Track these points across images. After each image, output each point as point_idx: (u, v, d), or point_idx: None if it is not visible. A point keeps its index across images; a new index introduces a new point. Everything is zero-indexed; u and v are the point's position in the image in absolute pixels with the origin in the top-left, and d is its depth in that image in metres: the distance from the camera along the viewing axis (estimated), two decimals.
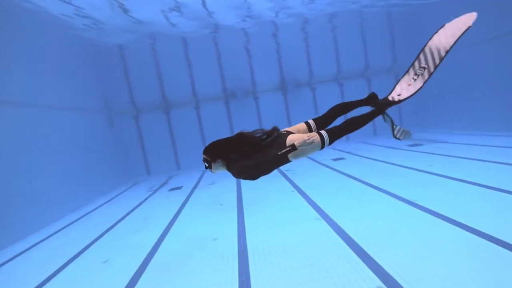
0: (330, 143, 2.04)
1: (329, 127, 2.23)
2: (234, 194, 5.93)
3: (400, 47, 11.23)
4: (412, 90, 2.23)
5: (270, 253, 3.06)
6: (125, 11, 7.61)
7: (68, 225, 5.65)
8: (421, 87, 2.20)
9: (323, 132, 2.05)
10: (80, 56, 8.64)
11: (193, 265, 3.07)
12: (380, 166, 6.41)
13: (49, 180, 6.10)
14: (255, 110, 11.25)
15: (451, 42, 2.07)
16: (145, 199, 6.96)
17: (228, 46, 10.58)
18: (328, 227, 3.46)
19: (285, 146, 1.89)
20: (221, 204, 5.32)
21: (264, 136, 2.04)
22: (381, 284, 2.21)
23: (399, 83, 2.33)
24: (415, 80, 2.26)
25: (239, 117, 11.19)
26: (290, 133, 2.14)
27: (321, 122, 2.26)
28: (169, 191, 7.55)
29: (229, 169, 1.97)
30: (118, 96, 10.45)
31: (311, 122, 2.26)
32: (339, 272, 2.48)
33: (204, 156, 1.97)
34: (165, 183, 8.81)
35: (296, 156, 1.95)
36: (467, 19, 2.04)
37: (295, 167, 7.82)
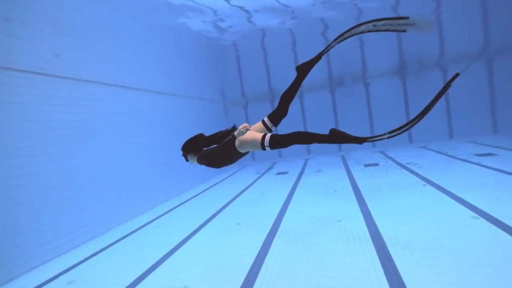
0: (271, 148, 2.18)
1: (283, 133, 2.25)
2: (347, 182, 5.60)
3: None
4: None
5: (414, 243, 2.67)
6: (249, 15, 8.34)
7: (199, 194, 6.79)
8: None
9: (267, 136, 2.18)
10: (205, 54, 10.15)
11: (323, 240, 3.05)
12: None
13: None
14: (365, 98, 10.25)
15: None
16: (256, 180, 7.55)
17: (337, 28, 9.99)
18: (496, 229, 2.72)
19: (234, 148, 2.30)
20: (335, 190, 5.12)
21: (220, 134, 2.44)
22: None
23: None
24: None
25: (346, 106, 10.50)
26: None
27: (275, 117, 2.36)
28: (276, 174, 7.92)
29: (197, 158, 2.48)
30: (232, 89, 11.74)
31: (266, 120, 2.38)
32: None
33: (182, 152, 2.53)
34: (270, 168, 9.31)
35: (244, 149, 2.31)
36: None
37: (419, 160, 6.67)
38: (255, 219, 4.13)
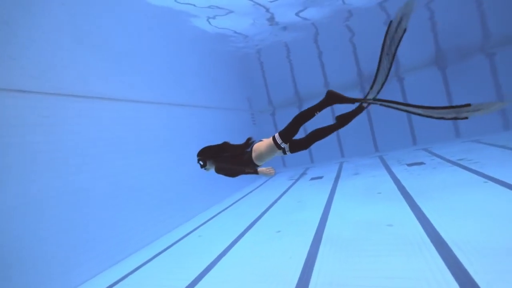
0: (285, 141, 2.40)
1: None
2: (392, 184, 5.20)
3: None
4: None
5: (485, 247, 2.33)
6: (271, 22, 8.45)
7: (235, 202, 6.79)
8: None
9: (276, 136, 2.41)
10: (231, 64, 10.40)
11: (375, 246, 2.80)
12: None
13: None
14: (400, 94, 9.62)
15: None
16: (290, 186, 7.37)
17: (363, 29, 9.62)
18: None
19: (251, 162, 2.49)
20: (379, 193, 4.77)
21: (240, 146, 2.54)
22: None
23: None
24: None
25: (379, 106, 9.94)
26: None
27: (295, 145, 2.51)
28: (310, 180, 7.66)
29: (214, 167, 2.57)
30: (259, 97, 11.82)
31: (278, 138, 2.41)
32: None
33: (198, 158, 2.54)
34: (303, 174, 9.06)
35: (261, 161, 2.49)
36: None
37: (473, 155, 6.00)
38: (296, 226, 3.97)
